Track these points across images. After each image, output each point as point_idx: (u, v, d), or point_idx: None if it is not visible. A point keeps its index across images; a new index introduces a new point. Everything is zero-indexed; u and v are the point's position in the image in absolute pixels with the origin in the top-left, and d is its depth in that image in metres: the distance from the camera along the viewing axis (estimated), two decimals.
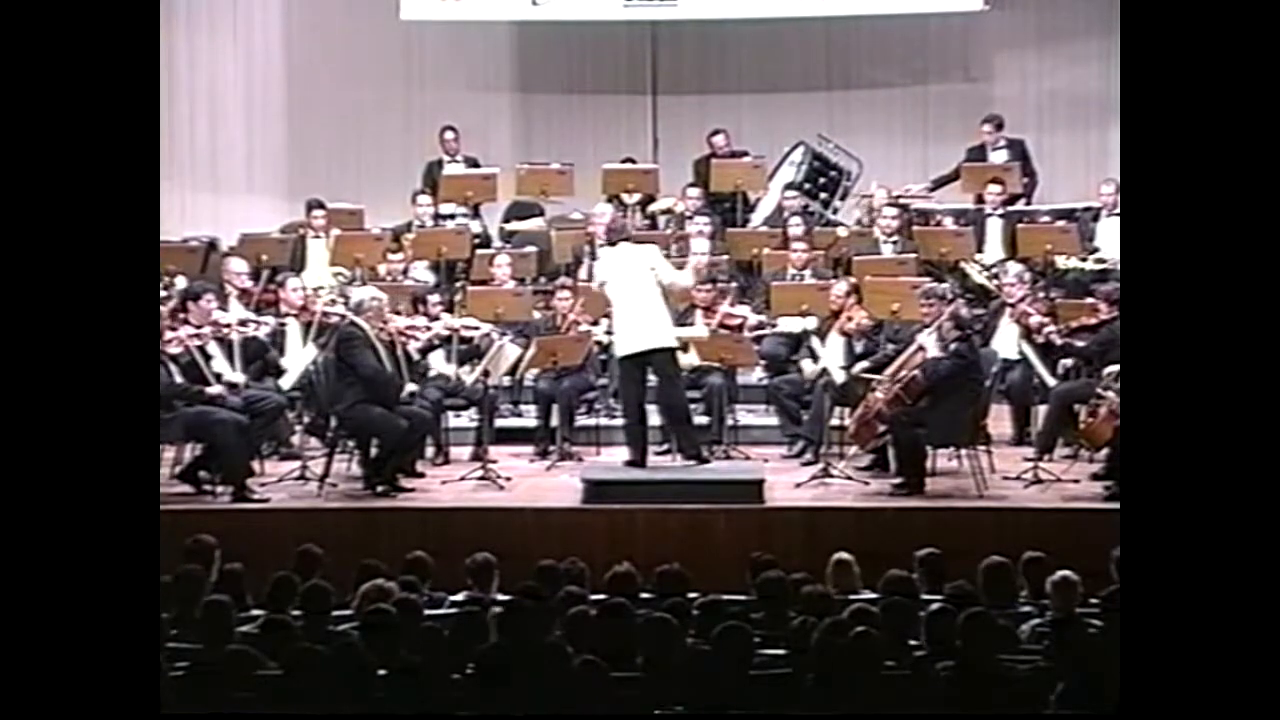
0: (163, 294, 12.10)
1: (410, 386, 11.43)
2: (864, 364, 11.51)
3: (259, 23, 17.35)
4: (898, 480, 11.16)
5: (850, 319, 11.98)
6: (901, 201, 14.51)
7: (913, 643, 7.18)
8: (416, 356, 11.73)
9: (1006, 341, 12.14)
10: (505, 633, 7.09)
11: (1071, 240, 13.60)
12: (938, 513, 10.69)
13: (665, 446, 11.77)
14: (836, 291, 12.25)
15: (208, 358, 11.25)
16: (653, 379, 11.48)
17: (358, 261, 13.69)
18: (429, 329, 12.01)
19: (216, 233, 15.12)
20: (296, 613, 7.76)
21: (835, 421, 11.71)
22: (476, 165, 15.46)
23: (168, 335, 10.95)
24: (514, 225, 15.24)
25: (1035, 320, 12.03)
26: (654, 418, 11.64)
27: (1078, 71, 16.81)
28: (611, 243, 11.68)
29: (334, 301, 12.39)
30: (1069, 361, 11.92)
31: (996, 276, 13.15)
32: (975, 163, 15.15)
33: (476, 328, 12.20)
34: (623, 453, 11.61)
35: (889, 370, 11.20)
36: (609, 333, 12.71)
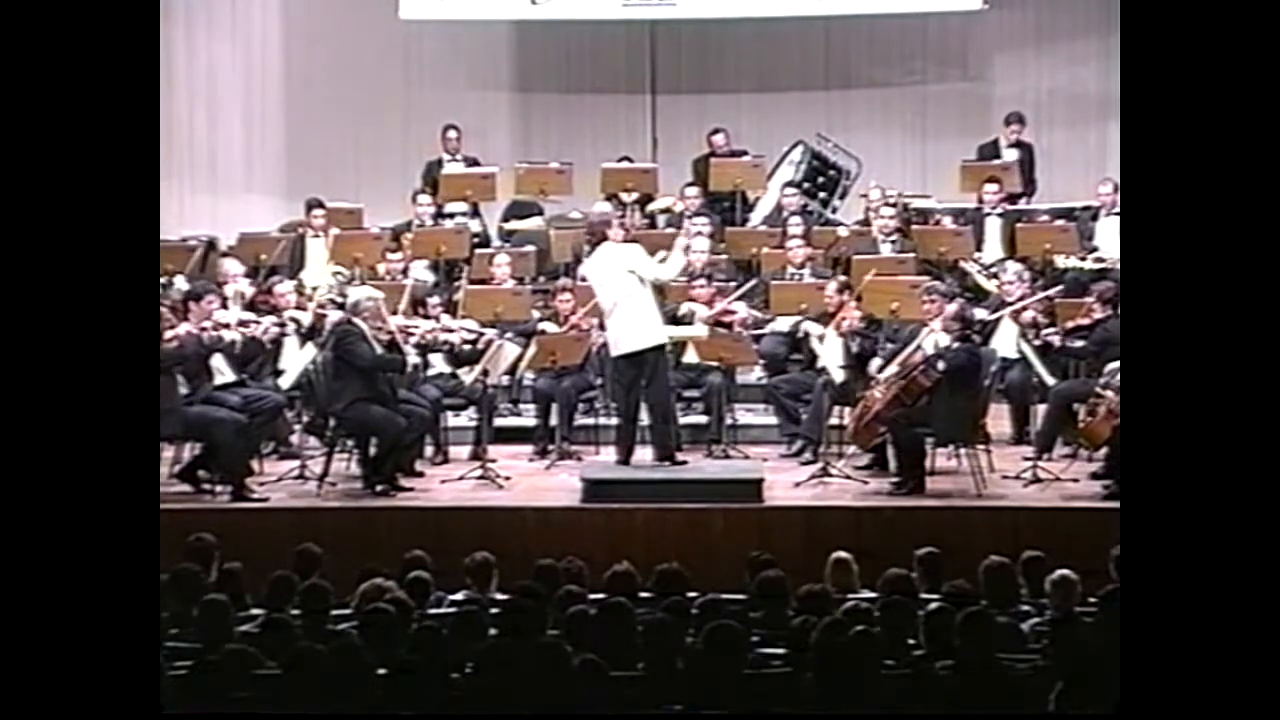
0: (161, 293, 12.12)
1: (413, 359, 11.45)
2: (878, 362, 11.49)
3: (258, 22, 17.36)
4: (897, 479, 11.16)
5: (845, 319, 11.98)
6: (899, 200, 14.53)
7: (911, 642, 7.19)
8: (414, 355, 11.76)
9: (1005, 341, 12.15)
10: (504, 632, 7.09)
11: (1070, 239, 13.61)
12: (937, 512, 10.69)
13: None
14: (829, 291, 12.27)
15: (208, 352, 11.25)
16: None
17: (357, 261, 13.70)
18: (430, 332, 12.06)
19: (215, 232, 15.12)
20: (296, 612, 7.76)
21: (834, 421, 11.71)
22: (476, 164, 15.45)
23: (168, 334, 10.93)
24: (513, 224, 15.24)
25: (1028, 316, 12.07)
26: (645, 417, 11.62)
27: (1077, 70, 16.83)
28: (593, 243, 11.62)
29: (331, 301, 12.40)
30: (1053, 338, 11.89)
31: (995, 275, 13.16)
32: (983, 160, 15.17)
33: (474, 332, 12.21)
34: None
35: (888, 370, 11.20)
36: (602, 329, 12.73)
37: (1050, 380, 11.97)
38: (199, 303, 11.40)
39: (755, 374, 12.95)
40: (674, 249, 11.67)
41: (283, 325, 12.04)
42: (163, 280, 12.71)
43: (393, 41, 17.06)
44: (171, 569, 7.98)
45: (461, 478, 11.50)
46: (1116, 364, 10.64)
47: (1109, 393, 10.65)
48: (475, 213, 15.19)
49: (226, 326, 11.51)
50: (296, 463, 11.62)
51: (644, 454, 11.43)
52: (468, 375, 12.12)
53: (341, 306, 11.87)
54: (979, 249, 13.99)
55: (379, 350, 11.19)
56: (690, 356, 12.39)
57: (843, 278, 12.61)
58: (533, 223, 15.13)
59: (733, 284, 13.20)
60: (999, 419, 12.13)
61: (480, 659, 6.81)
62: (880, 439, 11.37)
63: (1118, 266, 12.53)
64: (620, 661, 6.74)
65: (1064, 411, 11.64)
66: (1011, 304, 12.27)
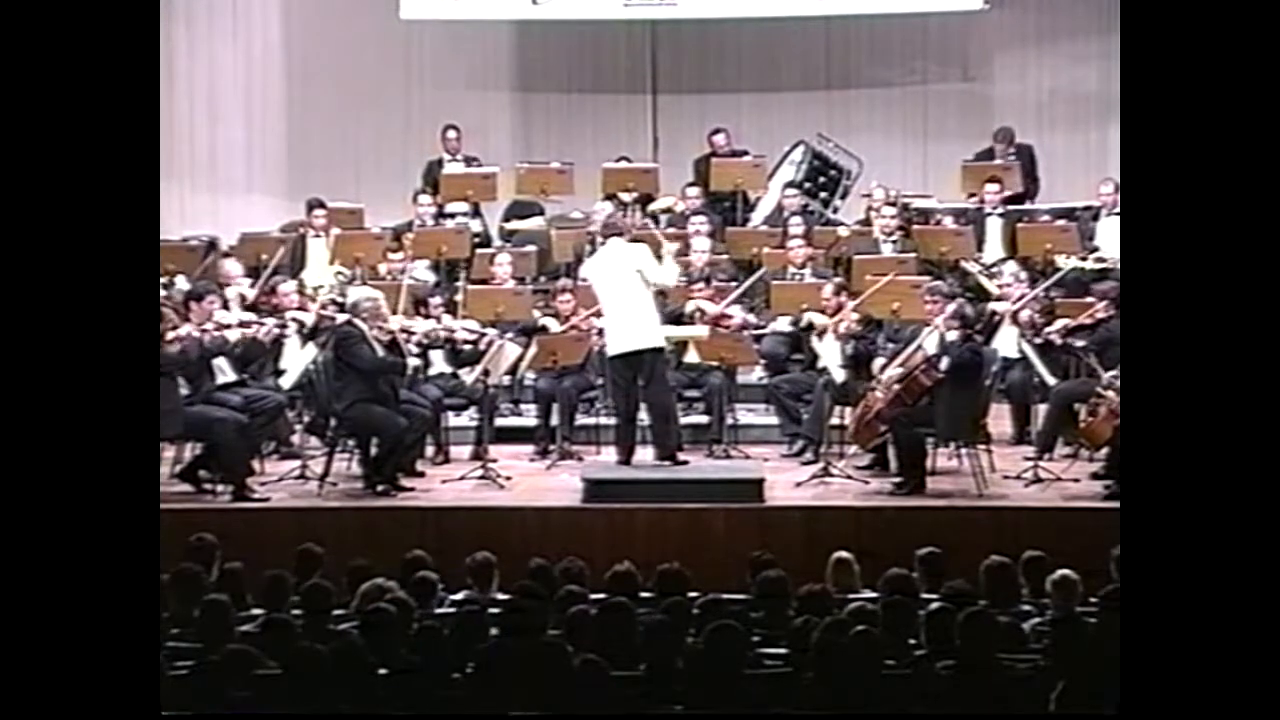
0: (162, 294, 12.11)
1: (413, 361, 11.47)
2: (880, 361, 11.49)
3: (259, 22, 17.35)
4: (898, 479, 11.16)
5: (841, 321, 11.95)
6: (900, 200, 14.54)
7: (912, 642, 7.19)
8: (415, 356, 11.76)
9: (1006, 341, 12.15)
10: (505, 632, 7.09)
11: (1071, 239, 13.62)
12: (938, 512, 10.69)
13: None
14: (825, 293, 12.28)
15: (209, 355, 11.26)
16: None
17: (358, 261, 13.70)
18: (431, 332, 12.07)
19: (216, 232, 15.13)
20: (296, 612, 7.76)
21: (835, 421, 11.71)
22: (477, 164, 15.44)
23: (169, 335, 10.93)
24: (514, 224, 15.24)
25: (1025, 316, 12.07)
26: (645, 417, 11.62)
27: (1077, 71, 16.83)
28: (603, 238, 11.68)
29: (334, 302, 12.41)
30: (1053, 336, 11.87)
31: (995, 276, 13.16)
32: (979, 162, 15.19)
33: (475, 332, 12.21)
34: None
35: (889, 370, 11.20)
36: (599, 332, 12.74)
37: (1051, 380, 11.97)
38: (200, 303, 11.41)
39: (756, 374, 12.95)
40: (664, 258, 11.49)
41: (284, 326, 12.04)
42: (164, 281, 12.71)
43: (393, 41, 17.06)
44: (172, 569, 7.98)
45: (462, 478, 11.49)
46: (1117, 365, 10.64)
47: (1110, 393, 10.66)
48: (476, 213, 15.19)
49: (228, 327, 11.51)
50: (297, 463, 11.61)
51: (645, 454, 11.43)
52: (469, 375, 12.12)
53: (344, 308, 11.87)
54: (980, 249, 13.99)
55: (380, 352, 11.19)
56: (691, 356, 12.40)
57: (838, 279, 12.63)
58: (533, 223, 15.13)
59: (733, 284, 13.20)
60: (1000, 419, 12.13)
61: (480, 659, 6.81)
62: (881, 439, 11.36)
63: (1118, 266, 12.53)
64: (620, 661, 6.74)
65: (1065, 411, 11.64)
66: (1009, 304, 12.28)
